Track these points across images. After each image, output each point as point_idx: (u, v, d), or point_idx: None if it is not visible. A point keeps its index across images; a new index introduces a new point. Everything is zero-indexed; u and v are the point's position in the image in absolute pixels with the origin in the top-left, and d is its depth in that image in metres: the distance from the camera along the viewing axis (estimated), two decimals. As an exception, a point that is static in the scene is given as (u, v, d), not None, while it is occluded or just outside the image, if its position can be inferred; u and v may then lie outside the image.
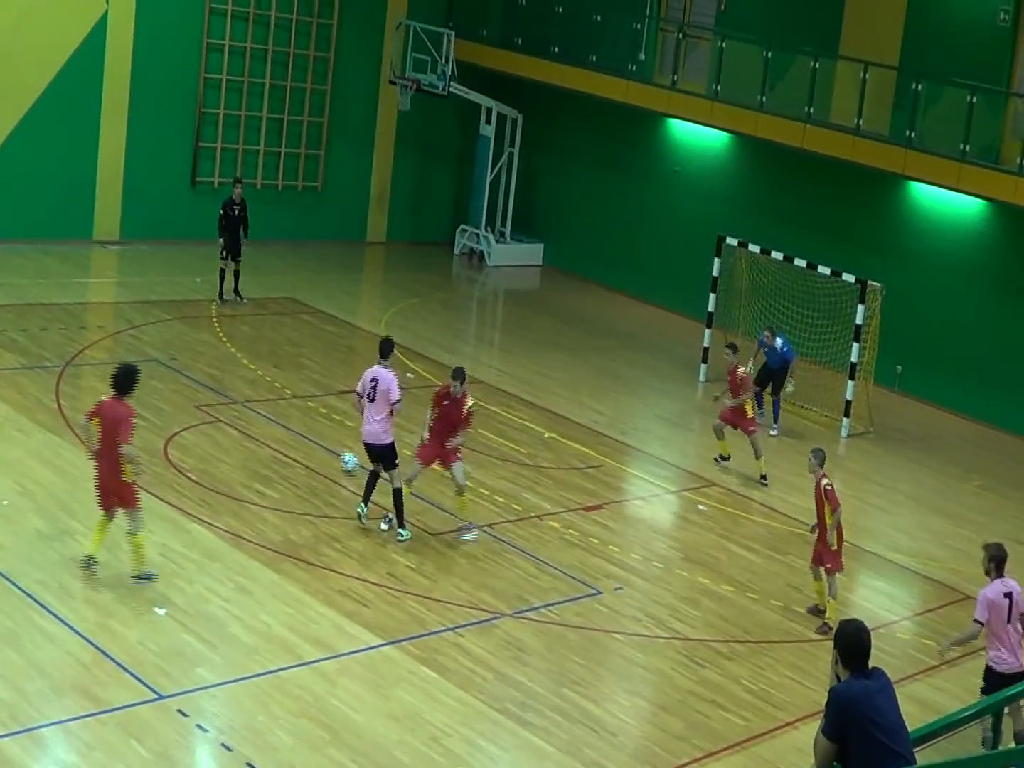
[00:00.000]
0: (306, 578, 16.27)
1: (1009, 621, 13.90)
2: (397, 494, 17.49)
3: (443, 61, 32.83)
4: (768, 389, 24.35)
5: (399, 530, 17.58)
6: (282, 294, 28.63)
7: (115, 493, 15.24)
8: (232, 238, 27.13)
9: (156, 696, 13.28)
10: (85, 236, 30.29)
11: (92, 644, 14.03)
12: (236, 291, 27.52)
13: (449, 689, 14.27)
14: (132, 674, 13.58)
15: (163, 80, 30.75)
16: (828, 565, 16.96)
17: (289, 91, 32.73)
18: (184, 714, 13.08)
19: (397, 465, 17.48)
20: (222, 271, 27.37)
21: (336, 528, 17.75)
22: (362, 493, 17.87)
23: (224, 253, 27.20)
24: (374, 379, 17.29)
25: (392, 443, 17.45)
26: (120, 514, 15.41)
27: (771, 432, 24.13)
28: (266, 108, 32.51)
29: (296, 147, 33.15)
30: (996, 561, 14.04)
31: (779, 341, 24.08)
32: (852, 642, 8.63)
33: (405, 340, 26.34)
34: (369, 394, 17.29)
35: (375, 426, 17.33)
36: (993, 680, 13.90)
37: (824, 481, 16.95)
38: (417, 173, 35.39)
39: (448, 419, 17.73)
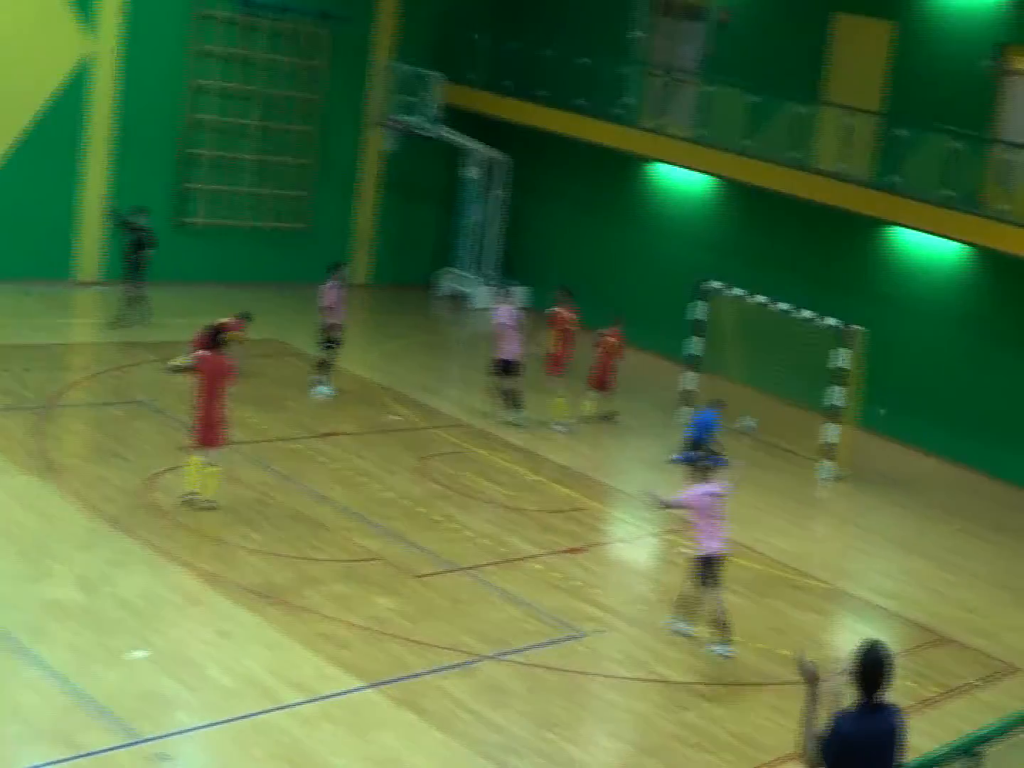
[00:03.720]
0: (288, 620, 16.20)
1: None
2: None
3: (430, 104, 32.95)
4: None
5: None
6: (267, 336, 28.61)
7: (218, 426, 18.74)
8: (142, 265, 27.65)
9: (134, 740, 13.18)
10: (65, 277, 30.25)
11: (71, 687, 13.94)
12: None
13: (430, 732, 14.19)
14: (111, 717, 13.49)
15: (147, 121, 30.77)
16: None
17: (274, 133, 32.83)
18: (163, 758, 12.99)
19: None
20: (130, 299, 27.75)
21: (318, 570, 17.70)
22: None
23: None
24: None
25: None
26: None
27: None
28: (251, 150, 32.59)
29: (282, 188, 33.22)
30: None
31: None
32: (869, 669, 8.57)
33: (389, 382, 26.40)
34: None
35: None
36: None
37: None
38: (402, 216, 35.47)
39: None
